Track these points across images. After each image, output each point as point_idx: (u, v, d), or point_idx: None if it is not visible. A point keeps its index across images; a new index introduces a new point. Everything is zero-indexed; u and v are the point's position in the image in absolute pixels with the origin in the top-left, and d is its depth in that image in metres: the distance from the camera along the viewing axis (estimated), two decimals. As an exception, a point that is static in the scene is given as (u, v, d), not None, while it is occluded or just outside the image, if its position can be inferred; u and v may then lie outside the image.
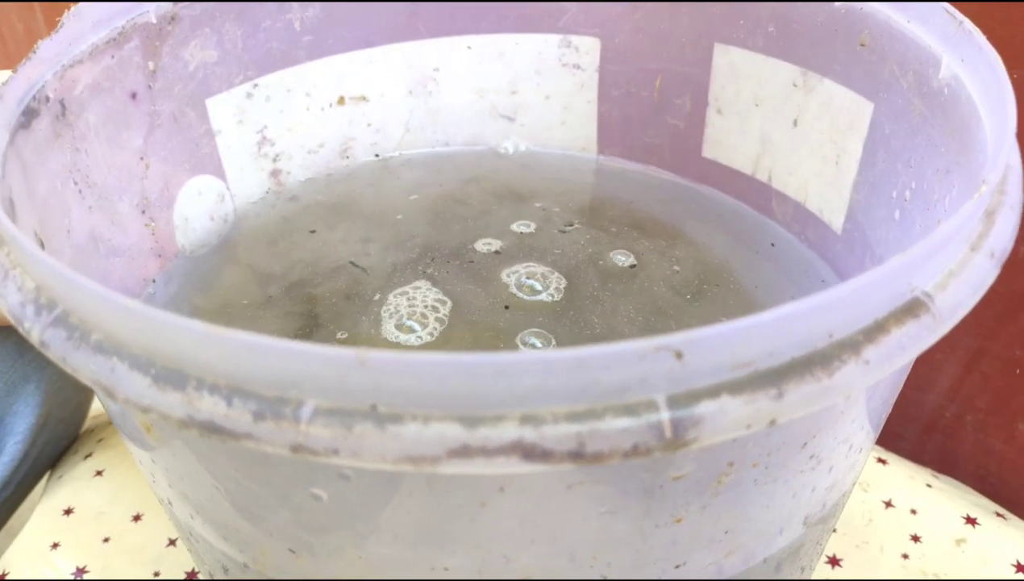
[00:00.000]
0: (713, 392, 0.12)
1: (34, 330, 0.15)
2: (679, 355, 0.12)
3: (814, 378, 0.13)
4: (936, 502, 0.32)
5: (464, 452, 0.12)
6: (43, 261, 0.14)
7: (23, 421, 0.32)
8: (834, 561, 0.30)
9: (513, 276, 0.27)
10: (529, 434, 0.12)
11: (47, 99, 0.22)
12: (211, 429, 0.13)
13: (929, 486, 0.33)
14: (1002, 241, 0.16)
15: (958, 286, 0.14)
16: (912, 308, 0.14)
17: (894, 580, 0.30)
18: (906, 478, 0.34)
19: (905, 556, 0.30)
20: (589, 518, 0.15)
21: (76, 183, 0.23)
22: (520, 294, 0.26)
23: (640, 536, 0.16)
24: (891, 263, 0.14)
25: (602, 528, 0.15)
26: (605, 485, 0.14)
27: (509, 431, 0.12)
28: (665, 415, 0.12)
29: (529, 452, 0.12)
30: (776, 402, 0.13)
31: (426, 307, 0.26)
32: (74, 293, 0.14)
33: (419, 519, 0.15)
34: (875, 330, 0.13)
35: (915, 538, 0.31)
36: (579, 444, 0.12)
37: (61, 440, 0.35)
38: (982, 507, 0.33)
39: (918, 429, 0.39)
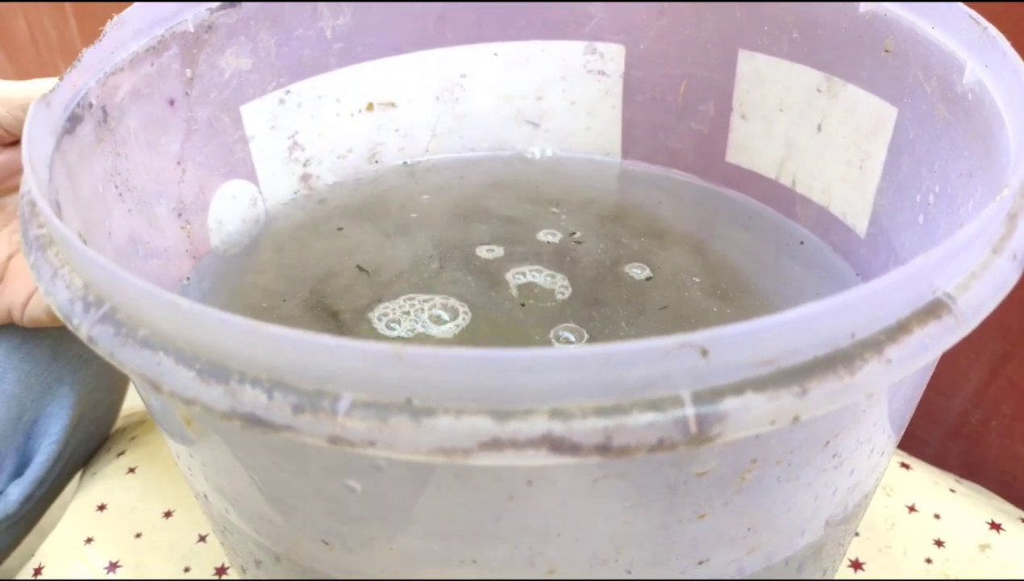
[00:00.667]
0: (737, 389, 0.13)
1: (82, 327, 0.15)
2: (704, 352, 0.12)
3: (837, 376, 0.13)
4: (960, 507, 0.32)
5: (494, 445, 0.13)
6: (92, 259, 0.15)
7: (57, 422, 0.33)
8: (856, 565, 0.30)
9: (532, 277, 0.28)
10: (558, 428, 0.13)
11: (90, 105, 0.23)
12: (253, 421, 0.13)
13: (953, 491, 0.33)
14: (1024, 244, 0.16)
15: (980, 288, 0.15)
16: (934, 309, 0.14)
17: (917, 585, 0.30)
18: (930, 483, 0.33)
19: (928, 560, 0.30)
20: (614, 513, 0.15)
21: (117, 187, 0.24)
22: (540, 300, 0.27)
23: (663, 531, 0.16)
24: (913, 264, 0.14)
25: (626, 523, 0.15)
26: (630, 480, 0.15)
27: (538, 425, 0.13)
28: (690, 411, 0.13)
29: (558, 445, 0.13)
30: (799, 399, 0.13)
31: (445, 308, 0.27)
32: (122, 290, 0.15)
33: (449, 511, 0.15)
34: (897, 330, 0.14)
35: (938, 543, 0.31)
36: (606, 438, 0.13)
37: (93, 440, 0.36)
38: (1007, 512, 0.32)
39: (942, 434, 0.39)
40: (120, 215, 0.24)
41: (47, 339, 0.32)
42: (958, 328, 0.14)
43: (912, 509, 0.32)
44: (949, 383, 0.38)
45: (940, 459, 0.36)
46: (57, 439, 0.33)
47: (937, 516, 0.32)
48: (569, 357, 0.12)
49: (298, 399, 0.13)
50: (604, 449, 0.13)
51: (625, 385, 0.13)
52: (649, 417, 0.13)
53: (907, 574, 0.30)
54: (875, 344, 0.13)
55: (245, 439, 0.16)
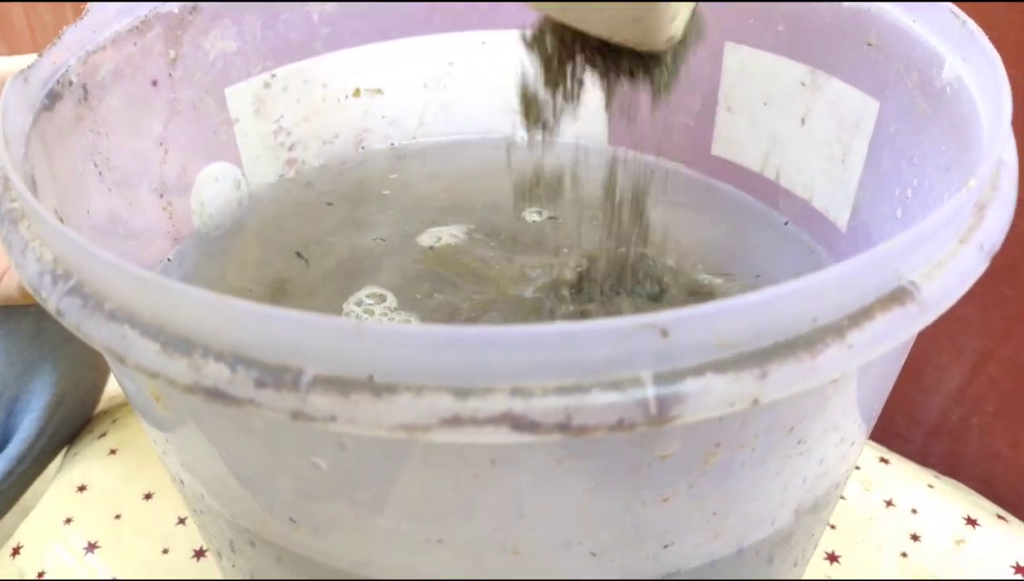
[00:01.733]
0: (698, 370, 0.13)
1: (51, 299, 0.15)
2: (664, 333, 0.13)
3: (797, 360, 0.13)
4: (937, 502, 0.32)
5: (455, 422, 0.13)
6: (61, 233, 0.15)
7: (39, 399, 0.33)
8: (832, 557, 0.31)
9: (521, 263, 0.28)
10: (518, 406, 0.13)
11: (70, 83, 0.23)
12: (215, 395, 0.13)
13: (931, 486, 0.33)
14: (992, 235, 0.16)
15: (945, 277, 0.15)
16: (897, 296, 0.14)
17: (893, 579, 0.30)
18: (908, 478, 0.34)
19: (904, 555, 0.31)
20: (578, 494, 0.15)
21: (96, 166, 0.24)
22: (530, 290, 0.27)
23: (628, 514, 0.16)
24: (878, 250, 0.14)
25: (591, 504, 0.15)
26: (593, 461, 0.15)
27: (499, 402, 0.13)
28: (650, 391, 0.13)
29: (518, 423, 0.13)
30: (760, 382, 0.13)
31: (433, 291, 0.27)
32: (89, 264, 0.15)
33: (413, 490, 0.15)
34: (860, 315, 0.14)
35: (915, 537, 0.31)
36: (566, 417, 0.13)
37: (75, 419, 0.36)
38: (983, 508, 0.33)
39: (924, 432, 0.39)
40: (99, 194, 0.24)
41: (29, 316, 0.32)
42: (921, 316, 0.14)
43: (890, 504, 0.32)
44: (931, 381, 0.38)
45: (921, 456, 0.37)
46: (39, 416, 0.33)
47: (914, 511, 0.32)
48: (530, 335, 0.12)
49: (261, 373, 0.13)
50: (564, 427, 0.13)
51: (586, 365, 0.13)
52: (609, 397, 0.13)
53: (883, 568, 0.30)
54: (837, 329, 0.14)
55: (213, 415, 0.16)
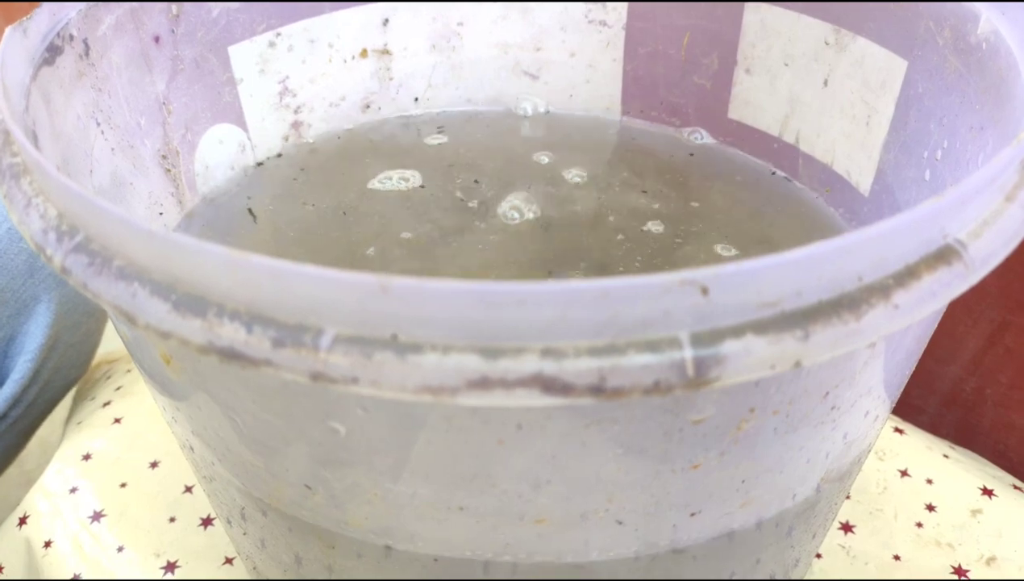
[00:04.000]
0: (738, 331, 0.12)
1: (56, 257, 0.15)
2: (705, 290, 0.12)
3: (841, 321, 0.13)
4: (953, 473, 0.32)
5: (483, 384, 0.12)
6: (66, 187, 0.14)
7: (33, 340, 0.32)
8: (847, 527, 0.30)
9: (524, 226, 0.27)
10: (549, 367, 0.12)
11: (71, 37, 0.22)
12: (231, 355, 0.13)
13: (946, 457, 0.33)
14: (1039, 193, 0.15)
15: (992, 236, 0.14)
16: (944, 255, 0.14)
17: (907, 548, 0.30)
18: (923, 448, 0.33)
19: (919, 525, 0.30)
20: (606, 459, 0.15)
21: (99, 124, 0.23)
22: (532, 248, 0.26)
23: (656, 480, 0.15)
24: (923, 207, 0.13)
25: (619, 470, 0.15)
26: (623, 426, 0.14)
27: (529, 363, 0.12)
28: (688, 353, 0.12)
29: (549, 385, 0.12)
30: (802, 343, 0.12)
31: (434, 257, 0.26)
32: (96, 218, 0.14)
33: (436, 456, 0.15)
34: (906, 275, 0.13)
35: (930, 507, 0.31)
36: (600, 379, 0.12)
37: (71, 368, 0.36)
38: (999, 479, 0.32)
39: (938, 402, 0.39)
40: (102, 153, 0.23)
41: (23, 254, 0.31)
42: (968, 276, 0.14)
43: (904, 474, 0.32)
44: (946, 351, 0.37)
45: (935, 427, 0.36)
46: (33, 357, 0.32)
47: (929, 481, 0.32)
48: (563, 292, 0.12)
49: (278, 333, 0.13)
50: (597, 390, 0.12)
51: (621, 324, 0.12)
52: (645, 358, 0.12)
53: (898, 538, 0.30)
54: (882, 289, 0.13)
55: (225, 378, 0.15)
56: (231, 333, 0.13)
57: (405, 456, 0.15)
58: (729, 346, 0.12)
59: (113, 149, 0.24)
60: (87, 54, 0.23)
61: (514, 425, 0.14)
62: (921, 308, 0.13)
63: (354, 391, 0.12)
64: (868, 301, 0.13)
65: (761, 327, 0.12)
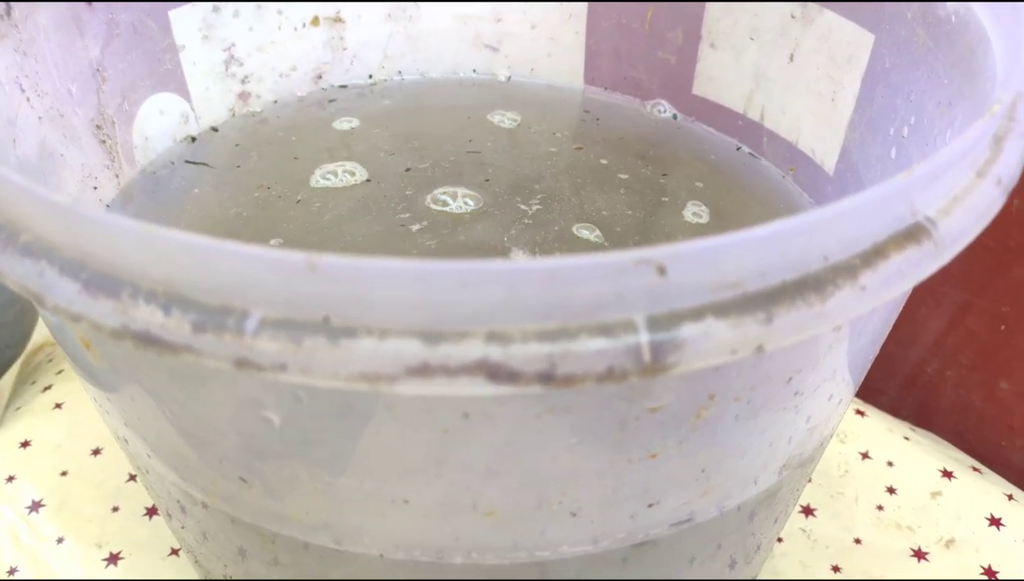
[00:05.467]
0: (697, 314, 0.11)
1: (-43, 231, 0.13)
2: (662, 270, 0.11)
3: (806, 303, 0.12)
4: (913, 455, 0.32)
5: (424, 371, 0.11)
6: (-34, 155, 0.13)
7: None
8: (808, 511, 0.30)
9: (478, 202, 0.26)
10: (495, 353, 0.11)
11: (-11, -4, 0.20)
12: (147, 340, 0.12)
13: (907, 439, 0.33)
14: (1009, 169, 0.15)
15: (962, 213, 0.14)
16: (913, 233, 0.13)
17: (868, 531, 0.29)
18: (884, 430, 0.33)
19: (880, 507, 0.30)
20: (559, 450, 0.14)
21: (24, 90, 0.22)
22: (489, 222, 0.25)
23: (612, 471, 0.15)
24: (892, 182, 0.12)
25: (572, 461, 0.14)
26: (576, 415, 0.13)
27: (474, 349, 0.11)
28: (644, 337, 0.11)
29: (495, 372, 0.11)
30: (764, 327, 0.12)
31: (402, 231, 0.25)
32: (0, 190, 0.13)
33: (377, 447, 0.14)
34: (873, 254, 0.12)
35: (891, 490, 0.31)
36: (550, 365, 0.11)
37: (6, 349, 0.34)
38: (959, 461, 0.32)
39: (898, 383, 0.39)
40: (28, 122, 0.22)
41: None
42: (938, 255, 0.13)
43: (865, 456, 0.32)
44: (907, 332, 0.37)
45: (895, 409, 0.36)
46: None
47: (890, 463, 0.32)
48: (509, 272, 0.11)
49: (199, 316, 0.11)
50: (547, 378, 0.11)
51: (572, 306, 0.11)
52: (598, 343, 0.11)
53: (858, 521, 0.30)
54: (849, 269, 0.12)
55: (147, 364, 0.14)
56: (147, 316, 0.12)
57: (344, 447, 0.14)
58: (688, 330, 0.11)
59: (40, 118, 0.22)
60: (8, 14, 0.21)
61: (460, 414, 0.13)
62: (889, 289, 0.13)
63: (283, 379, 0.11)
64: (834, 282, 0.12)
65: (722, 309, 0.12)
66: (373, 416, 0.13)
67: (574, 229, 0.25)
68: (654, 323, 0.11)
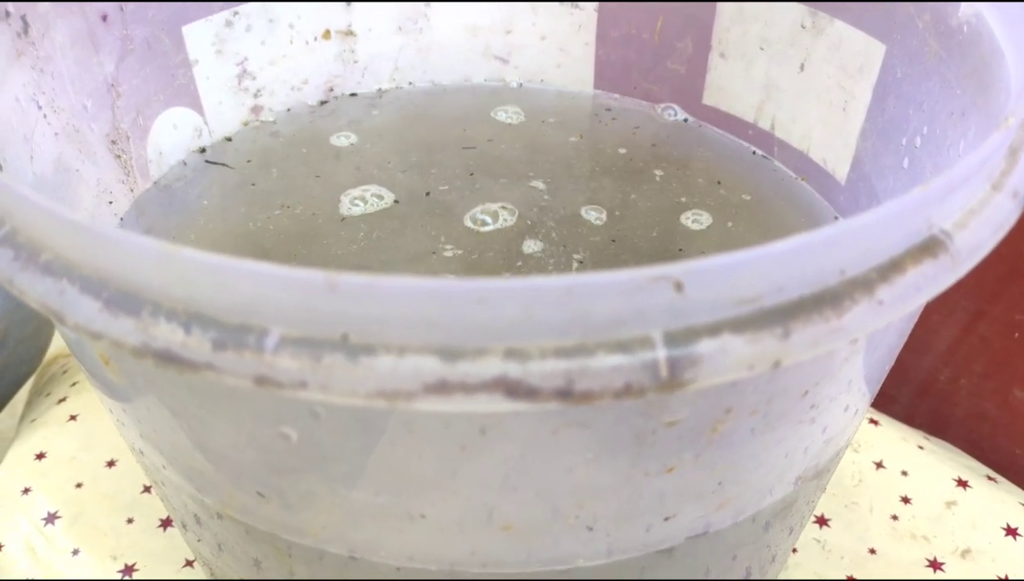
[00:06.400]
0: (714, 329, 0.12)
1: (-21, 250, 0.13)
2: (679, 286, 0.11)
3: (823, 318, 0.12)
4: (928, 464, 0.32)
5: (442, 388, 0.11)
6: (-12, 174, 0.13)
7: None
8: (822, 521, 0.30)
9: (496, 213, 0.26)
10: (514, 370, 0.11)
11: (7, 14, 0.21)
12: (168, 358, 0.12)
13: (921, 448, 0.33)
14: (1026, 181, 0.15)
15: (978, 226, 0.13)
16: (929, 247, 0.13)
17: (883, 541, 0.29)
18: (898, 439, 0.33)
19: (895, 517, 0.30)
20: (576, 465, 0.14)
21: (41, 107, 0.22)
22: (500, 234, 0.25)
23: (628, 485, 0.15)
24: (909, 197, 0.12)
25: (589, 476, 0.14)
26: (593, 430, 0.13)
27: (492, 366, 0.11)
28: (661, 352, 0.11)
29: (513, 389, 0.11)
30: (782, 342, 0.12)
31: (416, 246, 0.25)
32: (21, 209, 0.13)
33: (394, 463, 0.14)
34: (890, 268, 0.12)
35: (905, 500, 0.31)
36: (567, 382, 0.11)
37: (22, 364, 0.34)
38: (973, 470, 0.32)
39: (911, 392, 0.38)
40: (44, 138, 0.22)
41: None
42: (954, 269, 0.13)
43: (880, 465, 0.32)
44: (920, 340, 0.37)
45: (908, 417, 0.36)
46: None
47: (904, 473, 0.31)
48: (527, 289, 0.11)
49: (219, 334, 0.12)
50: (565, 394, 0.11)
51: (590, 323, 0.11)
52: (616, 359, 0.11)
53: (873, 531, 0.29)
54: (865, 283, 0.12)
55: (167, 381, 0.14)
56: (167, 334, 0.12)
57: (361, 462, 0.14)
58: (705, 345, 0.11)
59: (57, 133, 0.23)
60: (26, 32, 0.21)
61: (477, 430, 0.13)
62: (905, 303, 0.13)
63: (303, 396, 0.11)
64: (851, 296, 0.12)
65: (739, 325, 0.12)
66: (390, 432, 0.13)
67: (582, 211, 0.25)
68: (671, 339, 0.11)
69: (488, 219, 0.25)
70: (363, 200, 0.26)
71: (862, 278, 0.12)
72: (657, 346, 0.11)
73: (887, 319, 0.12)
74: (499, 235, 0.25)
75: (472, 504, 0.15)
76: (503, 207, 0.26)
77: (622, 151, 0.29)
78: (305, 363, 0.11)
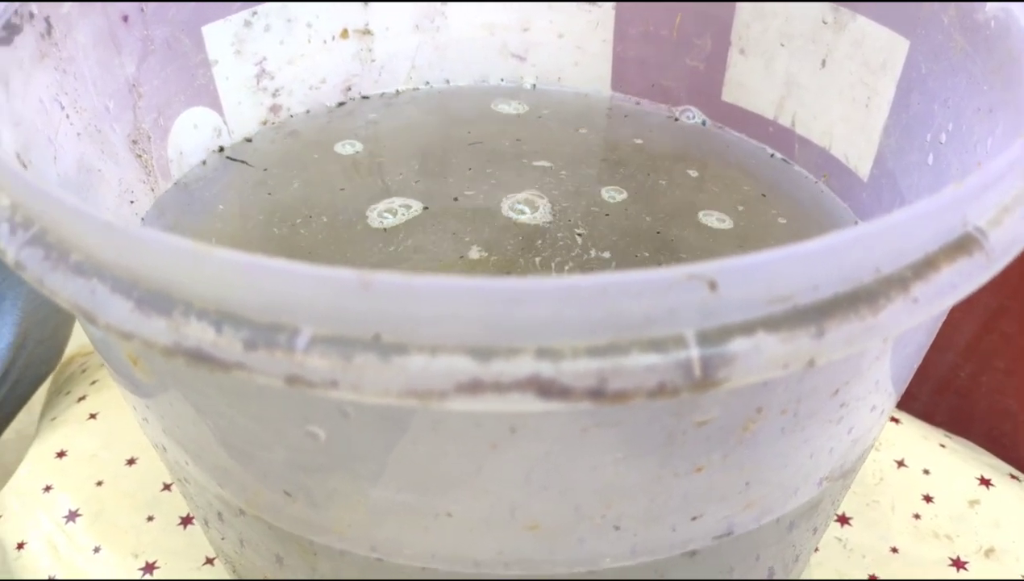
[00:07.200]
0: (748, 328, 0.11)
1: (9, 250, 0.13)
2: (713, 285, 0.11)
3: (858, 316, 0.12)
4: (950, 462, 0.32)
5: (475, 387, 0.11)
6: (17, 175, 0.13)
7: (1, 340, 0.31)
8: (843, 519, 0.30)
9: (520, 210, 0.26)
10: (546, 369, 0.11)
11: (31, 15, 0.21)
12: (199, 358, 0.12)
13: (943, 446, 0.32)
14: (1059, 177, 0.14)
15: (1013, 223, 0.13)
16: (964, 244, 0.13)
17: (905, 540, 0.29)
18: (919, 438, 0.33)
19: (917, 516, 0.30)
20: (605, 464, 0.14)
21: (64, 108, 0.22)
22: (527, 235, 0.25)
23: (657, 485, 0.15)
24: (943, 194, 0.12)
25: (618, 475, 0.14)
26: (623, 429, 0.13)
27: (524, 365, 0.11)
28: (695, 352, 0.11)
29: (546, 389, 0.11)
30: (816, 341, 0.12)
31: (437, 244, 0.25)
32: (51, 210, 0.13)
33: (424, 461, 0.14)
34: (924, 266, 0.12)
35: (927, 498, 0.30)
36: (600, 381, 0.11)
37: (41, 364, 0.34)
38: (996, 468, 0.32)
39: (931, 388, 0.38)
40: (67, 139, 0.22)
41: None
42: (989, 266, 0.13)
43: (901, 464, 0.31)
44: (941, 336, 0.36)
45: (928, 414, 0.36)
46: (1, 358, 0.31)
47: (926, 471, 0.31)
48: (560, 288, 0.11)
49: (250, 333, 0.11)
50: (597, 394, 0.11)
51: (623, 321, 0.11)
52: (649, 358, 0.11)
53: (895, 530, 0.29)
54: (900, 281, 0.12)
55: (196, 379, 0.14)
56: (199, 333, 0.12)
57: (390, 461, 0.14)
58: (739, 344, 0.11)
59: (79, 134, 0.23)
60: (49, 33, 0.21)
61: (507, 429, 0.13)
62: (941, 301, 0.12)
63: (334, 395, 0.11)
64: (886, 294, 0.12)
65: (773, 323, 0.11)
66: (420, 431, 0.13)
67: (602, 192, 0.25)
68: (705, 338, 0.11)
69: (527, 209, 0.25)
70: (392, 212, 0.26)
71: (897, 276, 0.12)
72: (690, 345, 0.11)
73: (922, 317, 0.12)
74: (530, 228, 0.25)
75: (500, 503, 0.14)
76: (534, 196, 0.26)
77: (637, 146, 0.29)
78: (336, 362, 0.11)
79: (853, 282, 0.12)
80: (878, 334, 0.12)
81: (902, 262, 0.12)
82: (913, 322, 0.12)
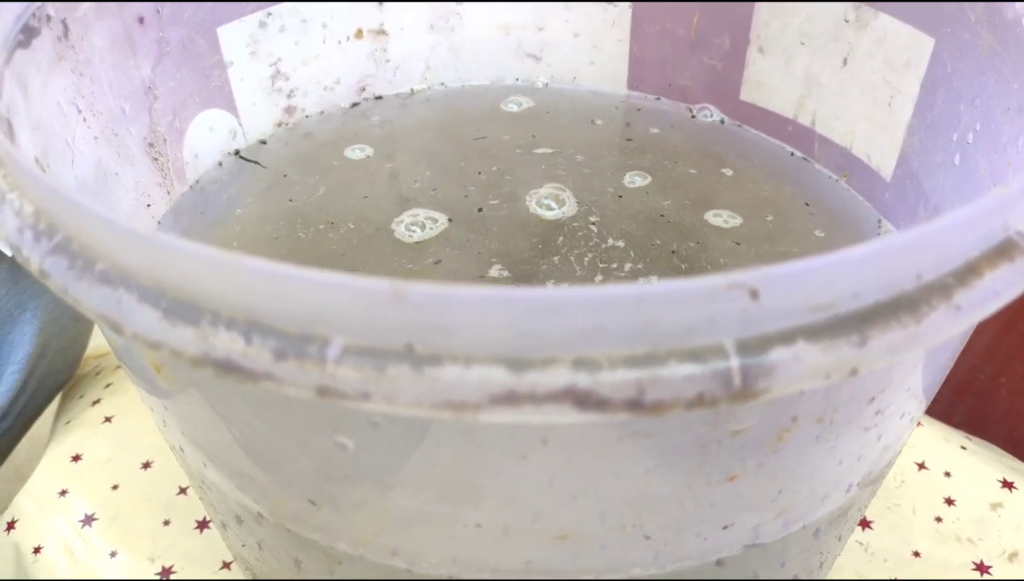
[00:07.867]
0: (787, 337, 0.11)
1: (33, 258, 0.13)
2: (754, 294, 0.11)
3: (900, 324, 0.11)
4: (971, 465, 0.31)
5: (510, 399, 0.11)
6: (43, 182, 0.13)
7: (20, 350, 0.31)
8: (865, 523, 0.29)
9: (537, 210, 0.26)
10: (583, 380, 0.11)
11: (48, 18, 0.21)
12: (228, 368, 0.12)
13: (964, 448, 0.32)
14: (1100, 180, 0.14)
15: (1054, 227, 0.13)
16: (1006, 249, 0.12)
17: (927, 544, 0.29)
18: (940, 440, 0.32)
19: (939, 519, 0.29)
20: (638, 474, 0.14)
21: (81, 111, 0.22)
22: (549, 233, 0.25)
23: (689, 494, 0.14)
24: (987, 199, 0.12)
25: (650, 484, 0.14)
26: (657, 439, 0.13)
27: (560, 376, 0.11)
28: (734, 362, 0.11)
29: (583, 400, 0.11)
30: (858, 350, 0.11)
31: (459, 245, 0.25)
32: (76, 218, 0.13)
33: (453, 472, 0.14)
34: (967, 272, 0.12)
35: (949, 501, 0.30)
36: (638, 392, 0.11)
37: (60, 373, 0.34)
38: (1018, 471, 0.31)
39: (950, 390, 0.38)
40: (85, 142, 0.22)
41: (5, 262, 0.29)
42: (1031, 272, 0.13)
43: (922, 466, 0.31)
44: (960, 337, 0.36)
45: (946, 415, 0.35)
46: (20, 368, 0.31)
47: (948, 474, 0.31)
48: (596, 298, 0.11)
49: (280, 344, 0.11)
50: (635, 405, 0.11)
51: (661, 331, 0.11)
52: (687, 368, 0.11)
53: (917, 533, 0.29)
54: (943, 288, 0.12)
55: (221, 388, 0.14)
56: (228, 343, 0.11)
57: (419, 472, 0.14)
58: (778, 354, 0.11)
59: (96, 137, 0.22)
60: (66, 36, 0.21)
61: (539, 439, 0.13)
62: (983, 308, 0.12)
63: (366, 407, 0.11)
64: (928, 302, 0.12)
65: (813, 332, 0.11)
66: (451, 442, 0.13)
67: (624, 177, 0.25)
68: (744, 347, 0.11)
69: (553, 204, 0.25)
70: (421, 226, 0.25)
71: (939, 283, 0.12)
72: (730, 355, 0.11)
73: (965, 325, 0.12)
74: (562, 223, 0.25)
75: (530, 513, 0.14)
76: (559, 190, 0.26)
77: (654, 136, 0.29)
78: (369, 373, 0.11)
79: (895, 289, 0.12)
80: (921, 342, 0.12)
81: (944, 269, 0.12)
82: (956, 330, 0.12)
